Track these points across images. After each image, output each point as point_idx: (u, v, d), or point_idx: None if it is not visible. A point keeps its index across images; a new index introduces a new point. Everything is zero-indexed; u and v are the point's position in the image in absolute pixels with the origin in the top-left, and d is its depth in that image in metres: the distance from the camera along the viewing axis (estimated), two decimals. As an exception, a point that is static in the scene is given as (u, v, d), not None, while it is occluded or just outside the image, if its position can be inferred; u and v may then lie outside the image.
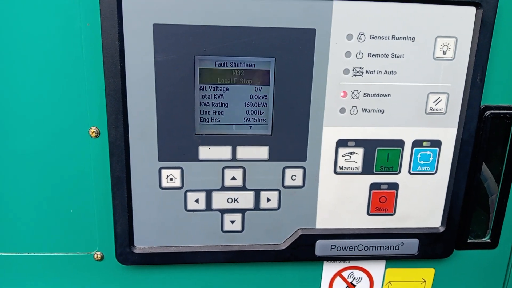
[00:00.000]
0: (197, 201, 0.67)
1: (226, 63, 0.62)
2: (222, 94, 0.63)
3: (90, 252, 0.71)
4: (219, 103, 0.64)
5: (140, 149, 0.63)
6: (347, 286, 0.78)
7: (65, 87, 0.62)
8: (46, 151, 0.65)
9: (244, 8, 0.59)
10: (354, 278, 0.78)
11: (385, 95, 0.64)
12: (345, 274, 0.77)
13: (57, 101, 0.63)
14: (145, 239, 0.68)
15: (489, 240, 0.77)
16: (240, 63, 0.62)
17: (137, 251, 0.68)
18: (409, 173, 0.69)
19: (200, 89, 0.62)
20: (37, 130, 0.64)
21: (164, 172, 0.65)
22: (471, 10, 0.62)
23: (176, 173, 0.65)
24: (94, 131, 0.64)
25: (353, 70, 0.63)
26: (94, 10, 0.59)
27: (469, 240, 0.76)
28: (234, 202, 0.68)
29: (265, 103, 0.64)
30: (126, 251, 0.68)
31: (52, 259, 0.71)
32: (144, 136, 0.63)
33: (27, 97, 0.62)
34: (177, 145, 0.64)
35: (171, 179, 0.65)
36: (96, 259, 0.71)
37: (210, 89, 0.63)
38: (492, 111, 0.68)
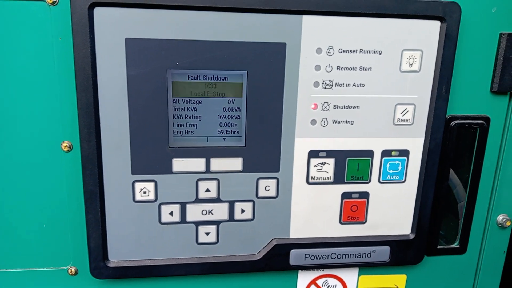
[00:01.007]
0: (171, 213, 0.67)
1: (199, 76, 0.63)
2: (195, 107, 0.64)
3: (64, 266, 0.70)
4: (192, 115, 0.64)
5: (113, 163, 0.63)
6: (322, 294, 0.79)
7: (37, 101, 0.62)
8: (18, 165, 0.64)
9: (216, 23, 0.60)
10: (329, 286, 0.79)
11: (354, 107, 0.66)
12: (319, 282, 0.78)
13: (29, 115, 0.62)
14: (119, 253, 0.68)
15: (458, 246, 0.79)
16: (213, 76, 0.63)
17: (111, 265, 0.68)
18: (379, 182, 0.71)
19: (173, 102, 0.63)
20: (9, 144, 0.63)
21: (138, 185, 0.65)
22: (436, 24, 0.64)
23: (150, 186, 0.65)
24: (66, 145, 0.64)
25: (323, 83, 0.64)
26: (66, 24, 0.59)
27: (439, 246, 0.78)
28: (209, 214, 0.68)
29: (238, 115, 0.65)
30: (100, 265, 0.67)
31: (26, 275, 0.70)
32: (117, 150, 0.63)
33: (-3, 111, 0.62)
34: (151, 158, 0.64)
35: (144, 192, 0.66)
36: (70, 273, 0.70)
37: (183, 102, 0.63)
38: (457, 120, 0.71)
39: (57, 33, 0.60)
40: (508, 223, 0.78)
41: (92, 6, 0.57)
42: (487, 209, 0.78)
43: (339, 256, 0.73)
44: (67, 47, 0.60)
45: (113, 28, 0.58)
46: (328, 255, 0.73)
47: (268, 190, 0.69)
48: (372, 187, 0.71)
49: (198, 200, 0.67)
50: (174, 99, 0.63)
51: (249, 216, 0.69)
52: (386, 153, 0.69)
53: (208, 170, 0.66)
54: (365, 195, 0.71)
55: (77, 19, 0.57)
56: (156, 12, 0.58)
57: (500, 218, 0.78)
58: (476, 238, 0.79)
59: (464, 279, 0.82)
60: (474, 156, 0.74)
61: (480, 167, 0.74)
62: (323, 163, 0.68)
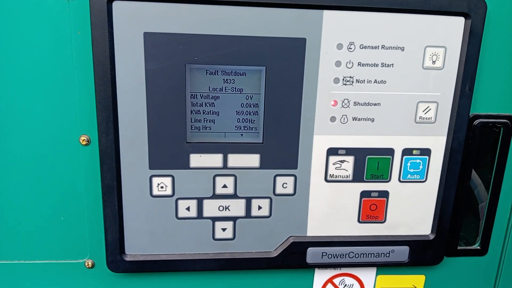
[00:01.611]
0: (188, 209, 0.67)
1: (217, 72, 0.62)
2: (213, 102, 0.63)
3: (81, 259, 0.71)
4: (210, 111, 0.64)
5: (131, 157, 0.63)
6: (338, 293, 0.78)
7: (56, 95, 0.62)
8: (37, 159, 0.65)
9: (235, 17, 0.59)
10: (345, 285, 0.78)
11: (375, 104, 0.65)
12: (336, 281, 0.77)
13: (47, 109, 0.63)
14: (136, 247, 0.68)
15: (479, 247, 0.77)
16: (231, 72, 0.62)
17: (128, 258, 0.68)
18: (399, 181, 0.69)
19: (191, 97, 0.62)
20: (28, 137, 0.64)
21: (155, 180, 0.65)
22: (460, 20, 0.63)
23: (167, 181, 0.65)
24: (84, 139, 0.64)
25: (343, 79, 0.63)
26: (84, 18, 0.59)
27: (459, 247, 0.76)
28: (225, 210, 0.68)
29: (256, 111, 0.64)
30: (117, 258, 0.68)
31: (43, 267, 0.71)
32: (134, 144, 0.63)
33: (17, 105, 0.62)
34: (168, 153, 0.64)
35: (162, 187, 0.65)
36: (87, 266, 0.71)
37: (201, 97, 0.63)
38: (481, 119, 0.69)
39: (75, 27, 0.60)
40: (531, 225, 0.76)
41: (110, 0, 0.57)
42: (510, 211, 0.76)
43: (357, 255, 0.72)
44: (85, 41, 0.60)
45: (132, 22, 0.58)
46: (345, 254, 0.72)
47: (286, 187, 0.68)
48: (392, 186, 0.69)
49: (215, 196, 0.67)
50: (192, 94, 0.62)
51: (266, 213, 0.69)
52: (407, 151, 0.68)
53: (225, 166, 0.66)
54: (384, 194, 0.70)
55: (95, 13, 0.57)
56: (175, 6, 0.58)
57: (523, 219, 0.76)
58: (498, 240, 0.78)
59: (485, 281, 0.80)
60: (497, 156, 0.72)
61: (503, 167, 0.73)
62: (342, 161, 0.67)
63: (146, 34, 0.59)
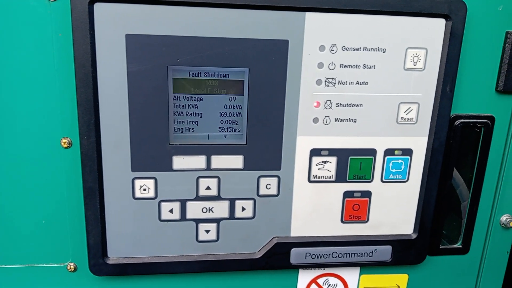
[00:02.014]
0: (171, 211, 0.67)
1: (200, 73, 0.62)
2: (196, 104, 0.63)
3: (63, 263, 0.70)
4: (193, 112, 0.63)
5: (113, 160, 0.63)
6: (323, 293, 0.79)
7: (37, 97, 0.61)
8: (18, 162, 0.64)
9: (217, 19, 0.59)
10: (329, 285, 0.78)
11: (357, 105, 0.65)
12: (320, 281, 0.78)
13: (28, 112, 0.62)
14: (118, 250, 0.68)
15: (460, 246, 0.78)
16: (214, 73, 0.62)
17: (110, 262, 0.67)
18: (382, 181, 0.70)
19: (174, 99, 0.62)
20: (8, 140, 0.63)
21: (138, 183, 0.65)
22: (441, 22, 0.63)
23: (150, 183, 0.65)
24: (66, 142, 0.63)
25: (325, 81, 0.64)
26: (65, 20, 0.58)
27: (441, 246, 0.77)
28: (209, 212, 0.68)
29: (240, 112, 0.64)
30: (99, 262, 0.67)
31: (25, 271, 0.70)
32: (117, 147, 0.62)
33: (-3, 107, 0.61)
34: (151, 155, 0.64)
35: (144, 190, 0.65)
36: (70, 270, 0.70)
37: (184, 99, 0.63)
38: (462, 120, 0.70)
39: (57, 28, 0.59)
40: (512, 224, 0.77)
41: (92, 2, 0.56)
42: (491, 209, 0.77)
43: (340, 255, 0.73)
44: (67, 43, 0.59)
45: (113, 24, 0.58)
46: (329, 254, 0.72)
47: (269, 188, 0.68)
48: (375, 186, 0.70)
49: (198, 198, 0.67)
50: (174, 96, 0.62)
51: (250, 214, 0.69)
52: (389, 152, 0.68)
53: (208, 168, 0.66)
54: (367, 194, 0.70)
55: (77, 14, 0.56)
56: (157, 8, 0.58)
57: (503, 218, 0.77)
58: (479, 238, 0.79)
59: (467, 279, 0.81)
60: (478, 156, 0.73)
61: (484, 166, 0.74)
62: (325, 162, 0.68)
63: (128, 36, 0.58)
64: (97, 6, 0.57)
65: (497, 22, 0.66)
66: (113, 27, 0.58)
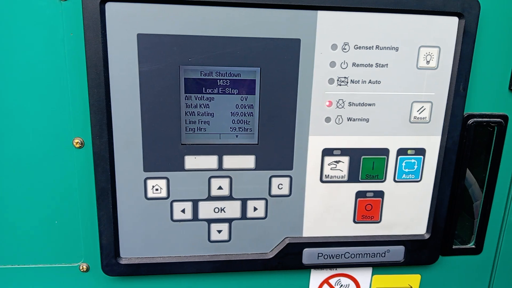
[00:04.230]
0: (183, 211, 0.67)
1: (212, 73, 0.62)
2: (208, 104, 0.63)
3: (76, 263, 0.70)
4: (205, 112, 0.63)
5: (125, 160, 0.63)
6: (334, 294, 0.78)
7: (49, 97, 0.61)
8: (31, 162, 0.64)
9: (229, 18, 0.59)
10: (341, 285, 0.78)
11: (369, 104, 0.65)
12: (332, 281, 0.77)
13: (40, 112, 0.62)
14: (131, 250, 0.68)
15: (473, 246, 0.77)
16: (226, 73, 0.62)
17: (123, 262, 0.67)
18: (394, 181, 0.69)
19: (185, 99, 0.62)
20: (21, 141, 0.63)
21: (150, 183, 0.65)
22: (454, 20, 0.63)
23: (162, 183, 0.65)
24: (78, 142, 0.63)
25: (338, 80, 0.63)
26: (77, 19, 0.59)
27: (454, 246, 0.76)
28: (221, 212, 0.68)
29: (251, 112, 0.64)
30: (112, 262, 0.67)
31: (37, 271, 0.70)
32: (129, 147, 0.62)
33: (10, 108, 0.61)
34: (163, 155, 0.63)
35: (156, 190, 0.65)
36: (82, 270, 0.70)
37: (196, 99, 0.63)
38: (475, 119, 0.69)
39: (68, 28, 0.59)
40: (526, 224, 0.76)
41: (103, 1, 0.56)
42: (504, 209, 0.77)
43: (352, 256, 0.72)
44: (78, 42, 0.59)
45: (125, 24, 0.58)
46: (341, 255, 0.72)
47: (281, 188, 0.68)
48: (387, 186, 0.70)
49: (210, 198, 0.67)
50: (186, 96, 0.62)
51: (262, 214, 0.69)
52: (402, 151, 0.68)
53: (220, 168, 0.65)
54: (380, 194, 0.70)
55: (88, 14, 0.56)
56: (168, 7, 0.58)
57: (517, 218, 0.77)
58: (492, 238, 0.78)
59: (480, 279, 0.81)
60: (492, 155, 0.72)
61: (498, 166, 0.73)
62: (337, 161, 0.67)
63: (139, 36, 0.58)
64: (109, 6, 0.57)
65: (511, 20, 0.66)
66: (124, 26, 0.58)
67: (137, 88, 0.60)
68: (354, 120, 0.65)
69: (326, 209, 0.70)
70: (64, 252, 0.69)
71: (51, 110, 0.62)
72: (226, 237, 0.69)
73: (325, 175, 0.68)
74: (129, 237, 0.67)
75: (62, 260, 0.70)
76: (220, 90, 0.63)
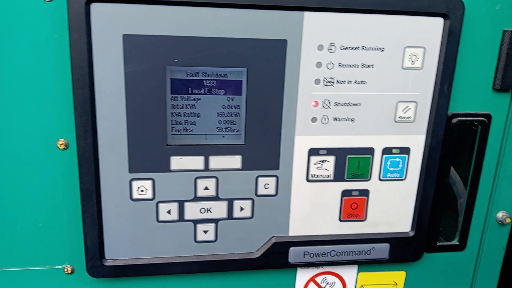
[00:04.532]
0: (169, 212, 0.66)
1: (198, 74, 0.61)
2: (194, 104, 0.63)
3: (60, 265, 0.69)
4: (191, 113, 0.63)
5: (110, 161, 0.62)
6: (321, 291, 0.79)
7: (33, 98, 0.60)
8: (14, 164, 0.63)
9: (215, 19, 0.59)
10: (328, 283, 0.78)
11: (355, 104, 0.65)
12: (318, 279, 0.78)
13: (24, 113, 0.61)
14: (116, 252, 0.67)
15: (457, 243, 0.79)
16: (212, 74, 0.62)
17: (108, 263, 0.67)
18: (379, 179, 0.70)
19: (171, 100, 0.62)
20: (4, 142, 0.62)
21: (135, 184, 0.64)
22: (439, 21, 0.63)
23: (148, 184, 0.64)
24: (62, 143, 0.63)
25: (324, 80, 0.63)
26: (62, 20, 0.57)
27: (438, 243, 0.78)
28: (207, 212, 0.68)
29: (238, 112, 0.64)
30: (97, 264, 0.66)
31: (22, 274, 0.69)
32: (114, 148, 0.62)
33: (-9, 109, 0.60)
34: (148, 156, 0.63)
35: (142, 191, 0.65)
36: (67, 272, 0.69)
37: (182, 100, 0.62)
38: (459, 118, 0.70)
39: (53, 29, 0.58)
40: (508, 220, 0.78)
41: (89, 2, 0.55)
42: (487, 206, 0.78)
43: (338, 254, 0.73)
44: (63, 43, 0.58)
45: (110, 24, 0.57)
46: (327, 253, 0.72)
47: (268, 188, 0.68)
48: (373, 185, 0.70)
49: (196, 198, 0.67)
50: (172, 96, 0.61)
51: (248, 214, 0.69)
52: (387, 150, 0.69)
53: (206, 168, 0.65)
54: (365, 192, 0.70)
55: (73, 15, 0.55)
56: (154, 8, 0.57)
57: (499, 215, 0.78)
58: (476, 235, 0.79)
59: (463, 275, 0.82)
60: (475, 153, 0.73)
61: (481, 164, 0.74)
62: (323, 161, 0.68)
63: (125, 36, 0.57)
64: (94, 6, 0.56)
65: (495, 21, 0.66)
66: (110, 27, 0.57)
67: (123, 89, 0.59)
68: (340, 120, 0.66)
69: (312, 208, 0.70)
70: (49, 254, 0.69)
71: (35, 111, 0.61)
72: (212, 237, 0.69)
73: (311, 174, 0.68)
74: (115, 239, 0.66)
75: (47, 262, 0.69)
76: (206, 91, 0.62)
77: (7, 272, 0.68)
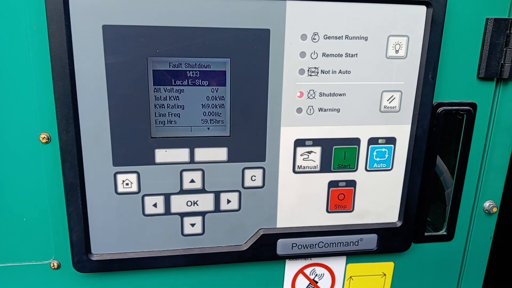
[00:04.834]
0: (155, 205, 0.66)
1: (181, 64, 0.61)
2: (177, 96, 0.62)
3: (46, 260, 0.69)
4: (175, 105, 0.62)
5: (94, 154, 0.62)
6: (310, 283, 0.78)
7: (13, 91, 0.60)
8: (-5, 158, 0.62)
9: (197, 8, 0.58)
10: (316, 274, 0.78)
11: (340, 94, 0.65)
12: (307, 271, 0.78)
13: (5, 107, 0.60)
14: (102, 246, 0.67)
15: (445, 233, 0.79)
16: (195, 64, 0.61)
17: (94, 258, 0.66)
18: (366, 170, 0.70)
19: (154, 91, 0.61)
20: (-16, 137, 0.61)
21: (120, 177, 0.64)
22: (422, 9, 0.63)
23: (132, 177, 0.64)
24: (44, 137, 0.62)
25: (308, 70, 0.63)
26: (40, 11, 0.57)
27: (426, 233, 0.78)
28: (194, 205, 0.67)
29: (222, 104, 0.63)
30: (83, 258, 0.66)
31: (7, 269, 0.68)
32: (97, 141, 0.61)
33: (-29, 103, 0.59)
34: (133, 149, 0.62)
35: (127, 184, 0.64)
36: (53, 267, 0.69)
37: (165, 91, 0.62)
38: (444, 107, 0.70)
39: (31, 21, 0.57)
40: (495, 209, 0.78)
41: (67, -8, 0.55)
42: (474, 196, 0.78)
43: (326, 245, 0.73)
44: (42, 35, 0.58)
45: (90, 15, 0.56)
46: (315, 244, 0.72)
47: (254, 180, 0.67)
48: (359, 175, 0.70)
49: (182, 191, 0.66)
50: (155, 88, 0.61)
51: (235, 207, 0.68)
52: (372, 140, 0.68)
53: (192, 161, 0.65)
54: (352, 183, 0.70)
55: (52, 6, 0.55)
56: (135, -2, 0.56)
57: (486, 204, 0.78)
58: (463, 225, 0.79)
59: (451, 265, 0.82)
60: (461, 143, 0.73)
61: (467, 153, 0.74)
62: (309, 152, 0.67)
63: (105, 27, 0.57)
64: (73, -3, 0.55)
65: (478, 9, 0.66)
66: (89, 18, 0.56)
67: (104, 81, 0.59)
68: (325, 110, 0.65)
69: (299, 199, 0.70)
70: (34, 249, 0.68)
71: (15, 105, 0.60)
72: (199, 231, 0.69)
73: (298, 165, 0.68)
74: (100, 233, 0.66)
75: (32, 257, 0.68)
76: (190, 82, 0.62)
77: (-8, 268, 0.68)
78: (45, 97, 0.60)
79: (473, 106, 0.71)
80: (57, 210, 0.66)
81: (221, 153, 0.65)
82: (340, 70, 0.64)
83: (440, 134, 0.71)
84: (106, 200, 0.64)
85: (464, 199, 0.77)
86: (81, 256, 0.66)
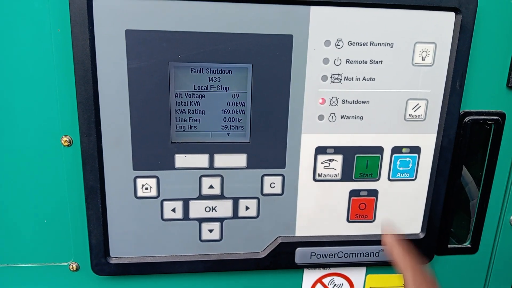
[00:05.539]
0: (174, 210, 0.66)
1: (202, 70, 0.60)
2: (198, 101, 0.62)
3: (66, 262, 0.69)
4: (195, 110, 0.62)
5: (114, 158, 0.62)
6: (328, 293, 0.77)
7: (36, 95, 0.60)
8: (18, 161, 0.63)
9: (220, 14, 0.58)
10: (335, 285, 0.77)
11: (363, 102, 0.64)
12: (325, 281, 0.76)
13: (28, 110, 0.61)
14: (121, 249, 0.67)
15: (469, 245, 0.76)
16: (217, 70, 0.61)
17: (113, 261, 0.66)
18: (389, 179, 0.68)
19: (175, 96, 0.61)
20: (8, 139, 0.62)
21: (140, 181, 0.63)
22: (450, 16, 0.61)
23: (152, 182, 0.64)
24: (66, 140, 0.62)
25: (331, 77, 0.62)
26: (64, 15, 0.57)
27: (449, 246, 0.76)
28: (212, 211, 0.67)
29: (243, 110, 0.63)
30: (101, 261, 0.66)
31: (27, 270, 0.69)
32: (118, 145, 0.61)
33: (-4, 105, 0.60)
34: (153, 153, 0.62)
35: (146, 189, 0.64)
36: (72, 269, 0.69)
37: (186, 96, 0.61)
38: (472, 116, 0.68)
39: (55, 24, 0.58)
40: (522, 223, 0.76)
41: (91, -4, 0.55)
42: (500, 208, 0.76)
43: (346, 255, 0.71)
44: (65, 39, 0.58)
45: (113, 19, 0.56)
46: (334, 254, 0.71)
47: (274, 187, 0.67)
48: (381, 185, 0.68)
49: (201, 197, 0.66)
50: (176, 93, 0.61)
51: (254, 214, 0.68)
52: (396, 149, 0.67)
53: (211, 166, 0.64)
54: (374, 193, 0.69)
55: (76, 10, 0.55)
56: (158, 3, 0.56)
57: (513, 217, 0.76)
58: (488, 237, 0.77)
59: (475, 279, 0.80)
60: (488, 153, 0.71)
61: (494, 164, 0.72)
62: (330, 160, 0.66)
63: (128, 32, 0.57)
64: (96, 1, 0.55)
65: (508, 16, 0.64)
66: (112, 22, 0.56)
67: (126, 85, 0.59)
68: (347, 118, 0.64)
69: (319, 208, 0.69)
70: (54, 251, 0.68)
71: (38, 108, 0.61)
72: (217, 237, 0.68)
73: (318, 173, 0.67)
74: (119, 237, 0.66)
75: (52, 259, 0.69)
76: (211, 87, 0.61)
77: (13, 268, 0.69)
78: (67, 101, 0.61)
79: (502, 115, 0.69)
80: (77, 212, 0.66)
81: (240, 159, 0.65)
82: (364, 77, 0.62)
83: (467, 144, 0.69)
84: (125, 204, 0.64)
85: (489, 211, 0.75)
86: (100, 259, 0.66)
